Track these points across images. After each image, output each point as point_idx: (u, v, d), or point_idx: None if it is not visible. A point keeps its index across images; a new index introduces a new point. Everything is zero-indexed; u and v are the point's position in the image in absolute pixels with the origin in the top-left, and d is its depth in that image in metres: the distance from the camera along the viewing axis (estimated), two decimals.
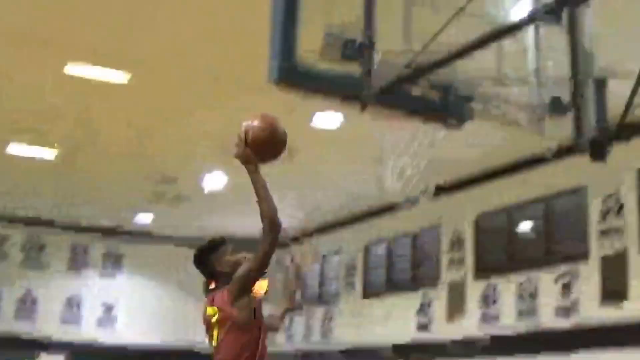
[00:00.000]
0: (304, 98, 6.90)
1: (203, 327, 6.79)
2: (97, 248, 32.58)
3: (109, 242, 32.67)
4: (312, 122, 18.82)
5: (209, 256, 6.71)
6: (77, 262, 32.37)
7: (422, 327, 24.80)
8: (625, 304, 18.74)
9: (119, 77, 17.10)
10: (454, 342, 22.51)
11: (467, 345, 22.45)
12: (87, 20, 14.65)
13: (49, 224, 31.10)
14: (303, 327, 31.23)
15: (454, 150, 17.40)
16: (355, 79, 6.15)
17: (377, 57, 6.14)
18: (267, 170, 21.98)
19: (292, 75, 6.02)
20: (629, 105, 6.47)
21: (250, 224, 30.00)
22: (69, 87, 17.63)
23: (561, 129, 7.33)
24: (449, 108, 6.68)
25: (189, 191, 25.66)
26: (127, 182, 25.07)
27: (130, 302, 32.68)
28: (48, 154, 22.52)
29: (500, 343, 21.43)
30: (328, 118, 18.70)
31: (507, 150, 20.02)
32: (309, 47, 6.19)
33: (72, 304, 32.00)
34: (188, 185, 25.00)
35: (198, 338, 33.66)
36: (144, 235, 32.50)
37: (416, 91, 6.46)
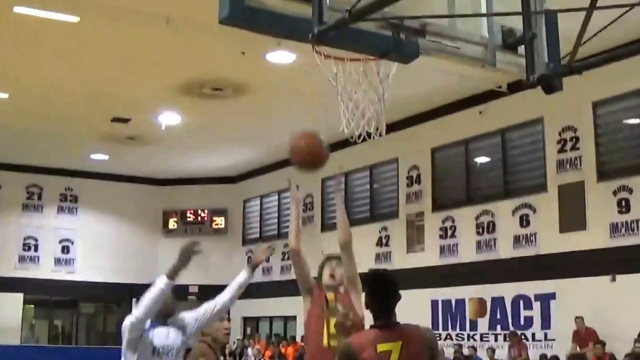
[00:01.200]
0: (255, 37, 6.77)
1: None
2: (52, 188, 32.39)
3: (65, 181, 32.49)
4: (265, 59, 18.68)
5: None
6: (32, 201, 32.18)
7: (381, 258, 24.95)
8: (584, 234, 18.94)
9: (68, 18, 16.78)
10: (413, 272, 22.60)
11: (426, 275, 22.61)
12: None
13: (4, 165, 30.82)
14: (263, 262, 31.27)
15: (409, 86, 17.37)
16: (306, 16, 6.02)
17: None
18: (222, 107, 21.80)
19: (242, 13, 5.87)
20: (579, 38, 6.40)
21: (201, 163, 30.12)
22: (19, 28, 17.32)
23: (514, 63, 7.26)
24: (400, 44, 6.58)
25: (143, 131, 25.53)
26: (81, 123, 24.87)
27: (87, 240, 32.62)
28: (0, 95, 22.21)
29: (459, 273, 21.59)
30: (281, 55, 18.57)
31: (463, 85, 19.98)
32: None
33: (29, 244, 31.88)
34: (141, 126, 24.85)
35: (157, 273, 33.85)
36: (99, 175, 32.36)
37: (367, 27, 6.35)
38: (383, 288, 5.97)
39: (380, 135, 8.08)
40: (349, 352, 5.72)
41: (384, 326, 5.78)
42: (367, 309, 5.96)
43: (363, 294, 6.27)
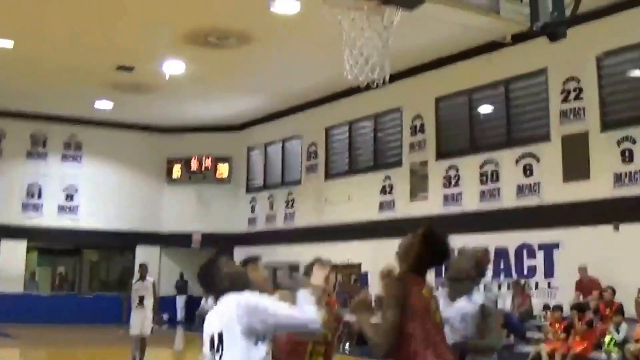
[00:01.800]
0: None
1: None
2: (56, 135, 32.38)
3: (69, 129, 32.47)
4: (271, 8, 18.57)
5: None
6: (37, 149, 32.19)
7: (385, 207, 24.99)
8: (588, 183, 18.95)
9: None
10: (417, 220, 22.62)
11: (430, 223, 22.59)
12: None
13: (8, 113, 30.78)
14: (266, 210, 31.44)
15: (413, 36, 17.30)
16: None
17: None
18: (227, 56, 21.77)
19: None
20: None
21: (205, 111, 30.08)
22: None
23: (519, 12, 7.23)
24: None
25: (147, 80, 25.47)
26: (86, 72, 24.80)
27: (91, 188, 32.69)
28: (5, 43, 22.13)
29: (463, 222, 21.60)
30: (285, 4, 18.47)
31: (467, 36, 19.88)
32: None
33: (33, 191, 31.93)
34: (146, 74, 24.79)
35: (161, 221, 33.84)
36: (104, 122, 32.32)
37: None
38: (444, 249, 6.09)
39: (384, 82, 8.05)
40: (404, 290, 5.82)
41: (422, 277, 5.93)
42: (413, 257, 6.01)
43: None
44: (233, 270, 5.88)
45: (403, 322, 5.82)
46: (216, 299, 5.75)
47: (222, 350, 5.52)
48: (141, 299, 18.03)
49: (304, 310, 5.58)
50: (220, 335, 5.54)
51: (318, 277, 7.05)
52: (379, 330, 5.76)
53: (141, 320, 17.88)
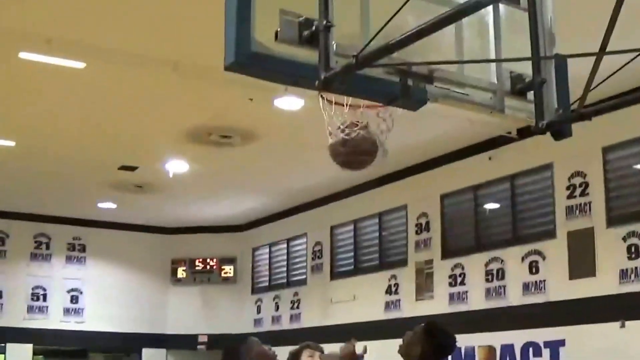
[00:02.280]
0: (263, 82, 6.76)
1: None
2: (60, 237, 32.31)
3: (73, 230, 32.42)
4: (273, 105, 18.65)
5: None
6: (40, 251, 32.13)
7: (391, 307, 24.84)
8: (594, 280, 18.82)
9: (74, 64, 16.79)
10: (423, 320, 22.39)
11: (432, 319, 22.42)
12: (41, 8, 14.37)
13: (11, 214, 30.82)
14: (272, 311, 31.28)
15: (416, 132, 17.37)
16: (313, 62, 6.01)
17: (334, 40, 5.99)
18: (230, 154, 21.73)
19: (247, 60, 5.87)
20: (588, 84, 6.37)
21: (209, 211, 30.05)
22: (24, 74, 17.34)
23: (524, 110, 7.24)
24: (407, 90, 6.56)
25: (150, 180, 25.51)
26: (88, 172, 24.88)
27: (96, 290, 32.49)
28: (6, 143, 22.21)
29: (469, 321, 21.44)
30: (289, 101, 18.56)
31: (472, 131, 19.97)
32: (266, 31, 6.05)
33: (38, 294, 31.80)
34: (149, 174, 24.84)
35: (166, 323, 33.63)
36: (107, 223, 32.34)
37: (374, 74, 6.34)
38: (448, 342, 5.99)
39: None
40: None
41: None
42: (416, 353, 5.92)
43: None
44: (264, 350, 5.83)
45: None
46: None
47: None
48: None
49: None
50: None
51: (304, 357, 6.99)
52: None
53: None
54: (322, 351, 6.88)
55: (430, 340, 5.90)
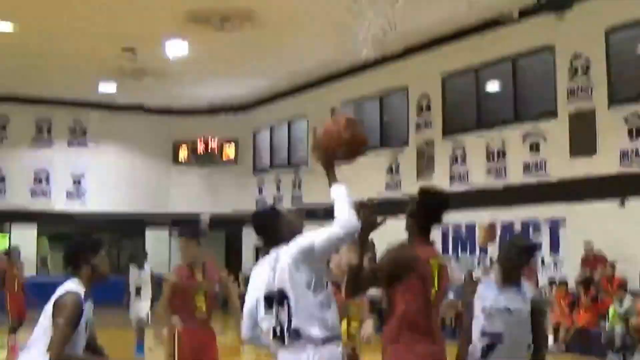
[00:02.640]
0: None
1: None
2: (61, 120, 32.45)
3: (74, 113, 32.54)
4: None
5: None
6: (42, 135, 32.29)
7: (392, 186, 25.02)
8: (594, 160, 18.96)
9: None
10: None
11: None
12: None
13: (12, 98, 30.85)
14: (274, 191, 31.52)
15: (419, 14, 17.26)
16: None
17: None
18: (231, 37, 21.62)
19: None
20: None
21: (210, 93, 29.80)
22: None
23: None
24: None
25: (151, 62, 25.29)
26: (89, 55, 24.66)
27: (98, 172, 32.77)
28: (5, 27, 22.09)
29: (470, 199, 21.58)
30: None
31: (473, 11, 19.82)
32: None
33: (41, 177, 32.02)
34: (149, 57, 24.60)
35: (168, 204, 33.68)
36: (108, 106, 32.28)
37: None
38: (439, 204, 6.10)
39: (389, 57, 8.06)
40: (413, 260, 5.84)
41: (428, 241, 5.95)
42: (412, 223, 6.04)
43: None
44: (291, 219, 5.86)
45: (393, 294, 5.86)
46: (266, 251, 5.69)
47: (289, 305, 5.41)
48: (138, 290, 17.59)
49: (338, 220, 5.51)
50: (282, 292, 5.43)
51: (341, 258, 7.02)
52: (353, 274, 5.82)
53: (138, 308, 17.45)
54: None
55: (420, 204, 6.03)
